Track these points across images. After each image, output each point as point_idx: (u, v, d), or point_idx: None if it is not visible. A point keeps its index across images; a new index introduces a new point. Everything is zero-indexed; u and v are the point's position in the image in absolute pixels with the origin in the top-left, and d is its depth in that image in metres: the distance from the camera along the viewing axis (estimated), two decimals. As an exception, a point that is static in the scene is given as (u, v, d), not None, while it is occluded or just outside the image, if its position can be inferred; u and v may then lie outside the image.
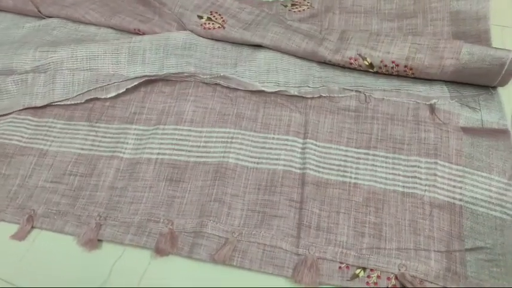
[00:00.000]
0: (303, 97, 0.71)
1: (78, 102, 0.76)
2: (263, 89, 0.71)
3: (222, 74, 0.72)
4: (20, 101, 0.78)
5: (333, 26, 0.81)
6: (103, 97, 0.75)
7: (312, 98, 0.71)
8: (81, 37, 0.88)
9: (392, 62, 0.69)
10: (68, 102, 0.76)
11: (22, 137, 0.75)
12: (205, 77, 0.73)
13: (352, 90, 0.70)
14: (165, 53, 0.79)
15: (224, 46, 0.80)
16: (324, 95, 0.70)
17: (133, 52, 0.79)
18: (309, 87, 0.71)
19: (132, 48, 0.79)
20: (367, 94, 0.69)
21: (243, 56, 0.77)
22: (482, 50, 0.64)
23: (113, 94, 0.74)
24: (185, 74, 0.74)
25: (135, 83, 0.75)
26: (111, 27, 0.89)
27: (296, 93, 0.70)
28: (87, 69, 0.78)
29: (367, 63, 0.71)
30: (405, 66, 0.69)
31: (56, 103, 0.77)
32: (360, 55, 0.70)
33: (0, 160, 0.73)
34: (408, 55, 0.68)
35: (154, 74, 0.75)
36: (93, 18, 0.88)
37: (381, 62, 0.70)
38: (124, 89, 0.75)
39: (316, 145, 0.67)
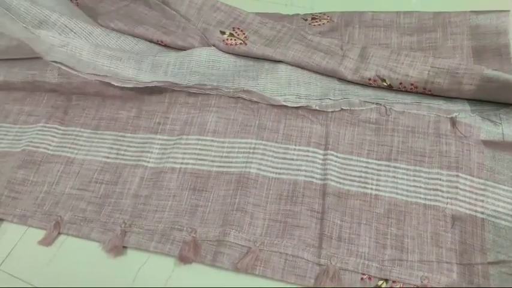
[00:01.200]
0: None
1: (85, 76, 0.75)
2: (285, 104, 0.72)
3: (244, 88, 0.74)
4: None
5: (353, 40, 0.83)
6: (118, 84, 0.75)
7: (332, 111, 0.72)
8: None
9: (411, 84, 0.70)
10: (74, 72, 0.75)
11: (50, 145, 0.78)
12: (227, 90, 0.75)
13: (372, 103, 0.71)
14: (188, 70, 0.81)
15: (246, 63, 0.82)
16: (344, 107, 0.71)
17: (157, 64, 0.81)
18: (330, 99, 0.73)
19: (157, 60, 0.81)
20: (387, 107, 0.70)
21: (265, 69, 0.78)
22: (501, 77, 0.64)
23: (128, 85, 0.75)
24: (207, 87, 0.76)
25: (155, 84, 0.76)
26: (135, 37, 0.91)
27: (317, 108, 0.71)
28: (106, 66, 0.80)
29: (385, 84, 0.72)
30: (424, 88, 0.70)
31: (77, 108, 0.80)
32: (378, 76, 0.72)
33: (29, 167, 0.75)
34: (427, 79, 0.69)
35: (177, 82, 0.77)
36: (117, 27, 0.90)
37: (400, 84, 0.71)
38: (142, 86, 0.75)
39: (336, 156, 0.68)
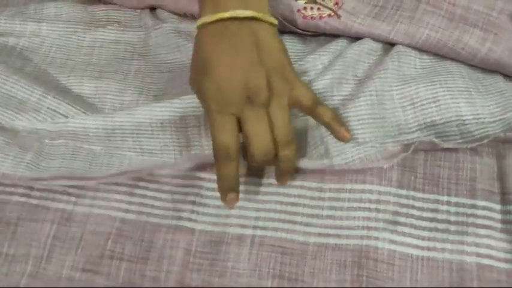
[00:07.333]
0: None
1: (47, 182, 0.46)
2: (454, 147, 0.42)
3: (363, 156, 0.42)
4: None
5: None
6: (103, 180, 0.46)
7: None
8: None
9: None
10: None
11: (31, 187, 0.48)
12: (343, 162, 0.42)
13: None
14: None
15: (352, 60, 0.49)
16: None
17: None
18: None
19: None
20: None
21: (388, 72, 0.46)
22: None
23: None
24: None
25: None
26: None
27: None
28: (106, 153, 0.48)
29: None
30: None
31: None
32: None
33: (-1, 230, 0.47)
34: None
35: None
36: None
37: None
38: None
39: (525, 216, 0.40)
